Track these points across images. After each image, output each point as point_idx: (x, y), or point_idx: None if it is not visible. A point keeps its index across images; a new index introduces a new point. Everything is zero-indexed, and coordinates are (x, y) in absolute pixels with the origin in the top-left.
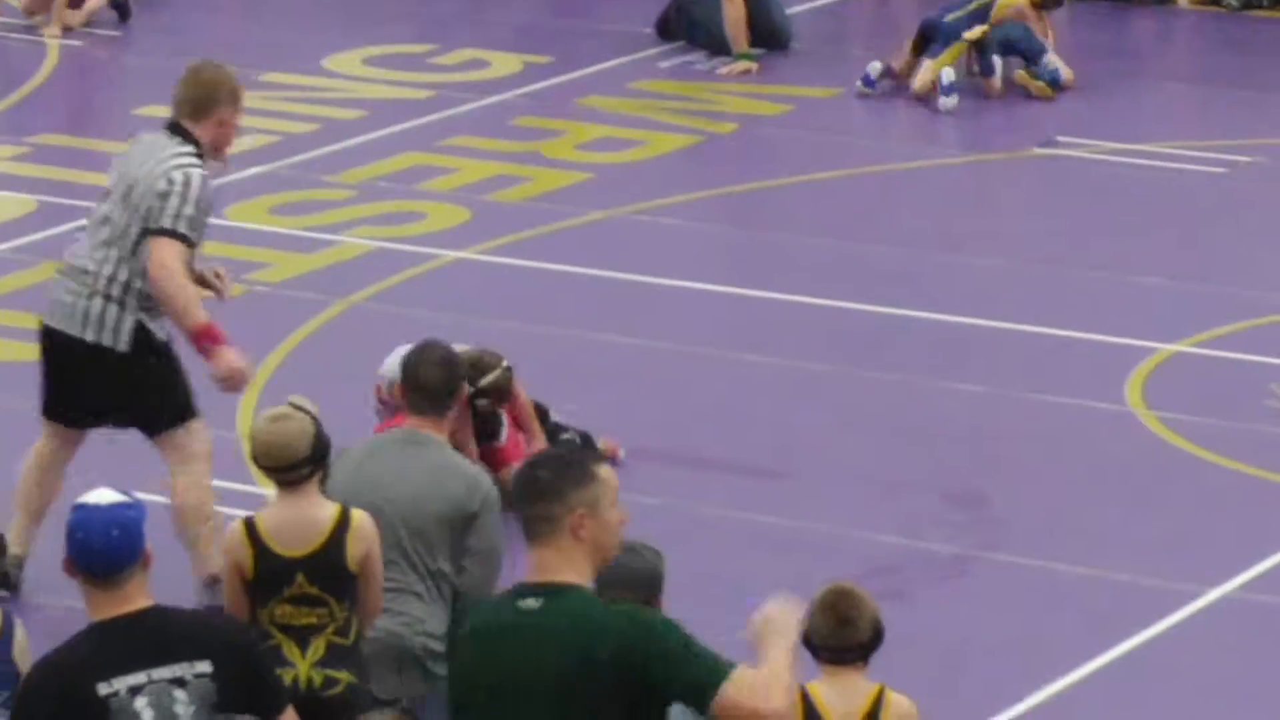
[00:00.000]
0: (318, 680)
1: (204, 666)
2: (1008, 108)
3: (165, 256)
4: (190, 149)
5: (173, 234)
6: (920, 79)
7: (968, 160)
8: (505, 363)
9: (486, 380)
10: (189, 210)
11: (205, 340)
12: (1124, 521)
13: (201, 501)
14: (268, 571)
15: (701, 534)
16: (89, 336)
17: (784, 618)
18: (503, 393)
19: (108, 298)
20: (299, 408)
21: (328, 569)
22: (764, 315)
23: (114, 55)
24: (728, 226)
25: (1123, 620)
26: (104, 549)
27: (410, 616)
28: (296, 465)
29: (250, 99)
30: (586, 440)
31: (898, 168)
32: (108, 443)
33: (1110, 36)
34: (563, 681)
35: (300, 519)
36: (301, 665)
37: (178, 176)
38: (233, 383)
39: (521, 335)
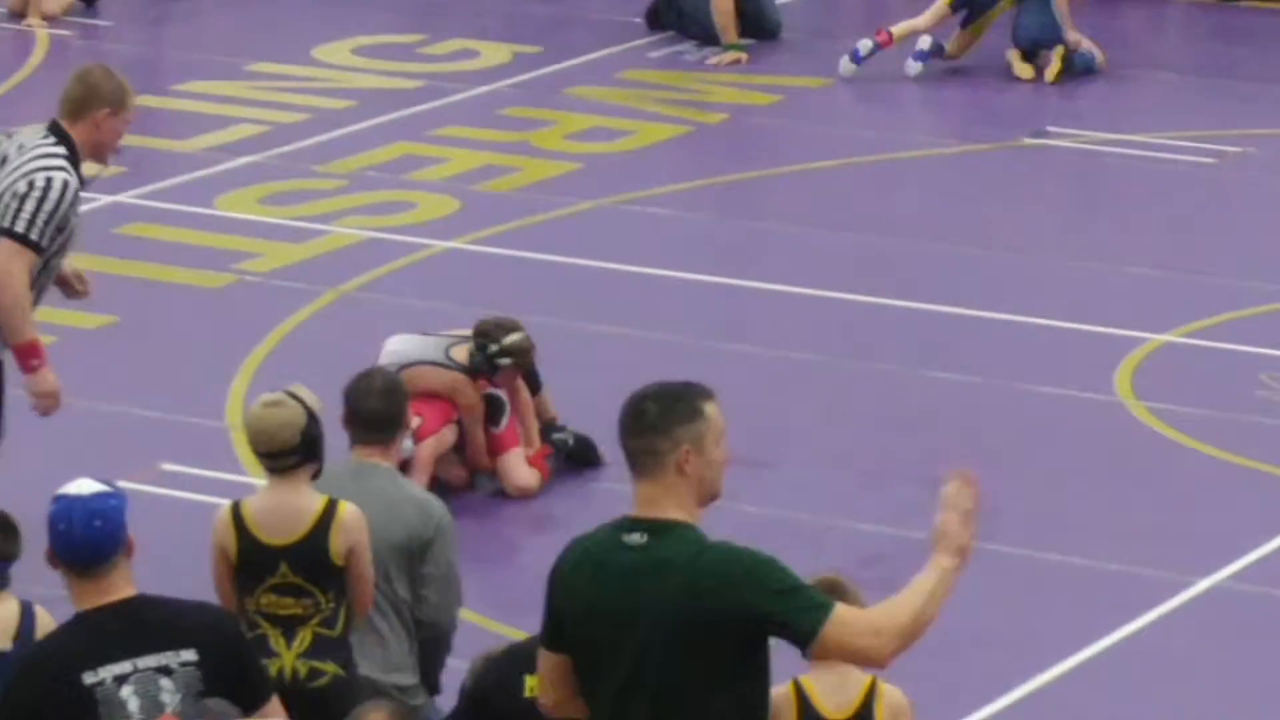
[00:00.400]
0: (303, 671)
1: (189, 655)
2: (997, 97)
3: (10, 263)
4: (62, 150)
5: (24, 240)
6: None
7: (957, 150)
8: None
9: (510, 340)
10: (42, 218)
11: (32, 358)
12: (1113, 511)
13: None
14: (251, 558)
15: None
16: None
17: (953, 527)
18: (524, 354)
19: None
20: (295, 396)
21: (311, 559)
22: (753, 305)
23: (102, 45)
24: (717, 216)
25: (1112, 610)
26: (86, 540)
27: (376, 658)
28: (282, 453)
29: (240, 88)
30: (582, 443)
31: (887, 158)
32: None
33: (1100, 27)
34: (668, 617)
35: (285, 507)
36: (286, 656)
37: (39, 179)
38: (49, 404)
39: None
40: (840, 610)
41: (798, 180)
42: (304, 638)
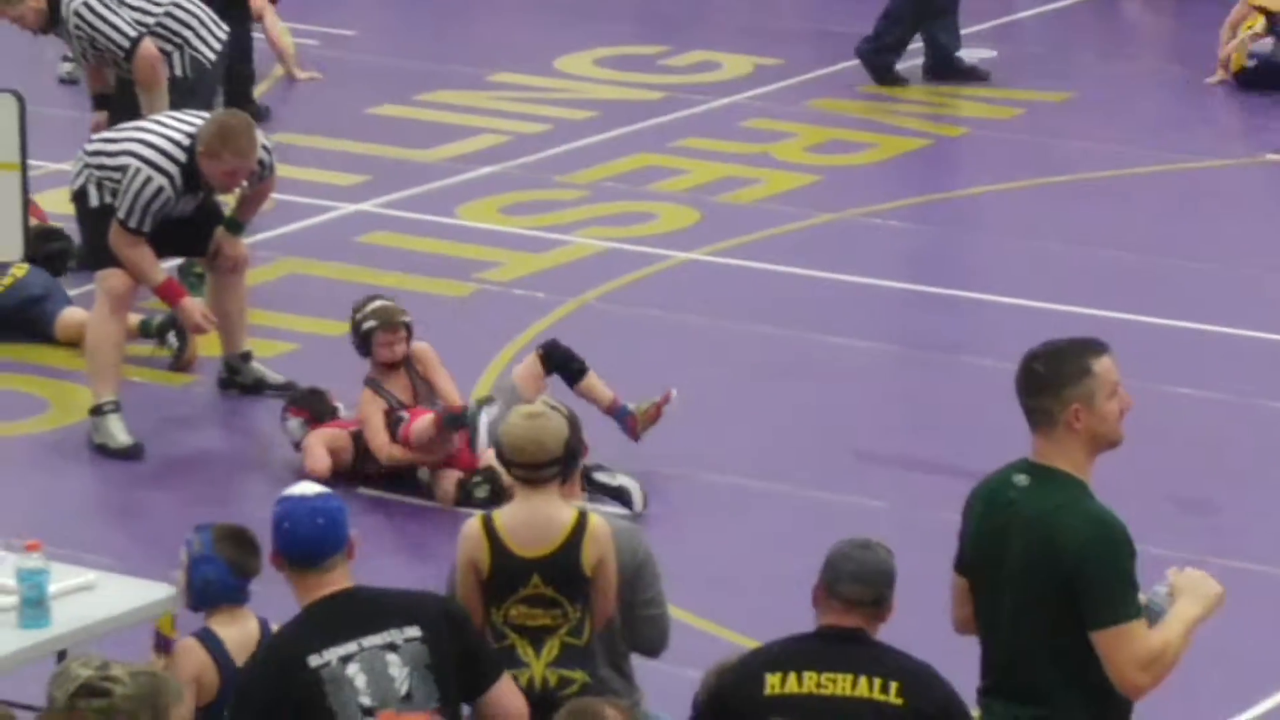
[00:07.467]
0: (553, 680)
1: (414, 631)
2: (1238, 114)
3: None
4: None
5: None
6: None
7: (1197, 166)
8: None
9: (369, 307)
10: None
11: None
12: None
13: None
14: (503, 571)
15: (924, 537)
16: None
17: (1204, 585)
18: (384, 314)
19: None
20: (552, 407)
21: (563, 571)
22: (992, 319)
23: (346, 55)
24: (955, 230)
25: None
26: (310, 536)
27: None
28: (546, 464)
29: (481, 98)
30: (619, 494)
31: (1126, 173)
32: None
33: None
34: (1025, 560)
35: (539, 519)
36: (536, 665)
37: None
38: (205, 326)
39: (750, 336)
40: (1133, 629)
41: (1037, 194)
42: (552, 647)
